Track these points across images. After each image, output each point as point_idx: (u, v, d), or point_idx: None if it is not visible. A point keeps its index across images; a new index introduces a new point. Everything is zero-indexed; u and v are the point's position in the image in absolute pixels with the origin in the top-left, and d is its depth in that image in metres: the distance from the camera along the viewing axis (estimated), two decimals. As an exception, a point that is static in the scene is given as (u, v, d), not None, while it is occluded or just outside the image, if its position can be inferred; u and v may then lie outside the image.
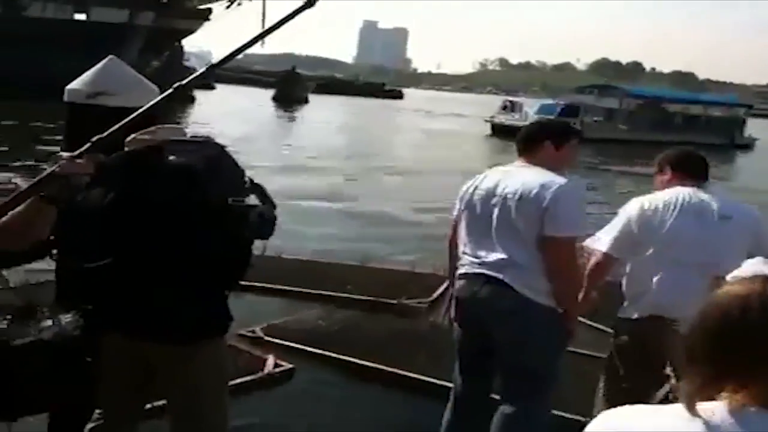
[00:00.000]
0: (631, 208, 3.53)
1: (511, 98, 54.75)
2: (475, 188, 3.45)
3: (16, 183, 2.11)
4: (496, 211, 3.30)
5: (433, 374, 4.85)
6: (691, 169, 3.60)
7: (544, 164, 3.38)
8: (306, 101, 59.20)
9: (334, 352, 5.20)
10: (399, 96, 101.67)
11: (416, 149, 30.56)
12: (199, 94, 40.88)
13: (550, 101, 50.22)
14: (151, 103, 2.26)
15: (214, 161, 2.37)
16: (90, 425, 2.66)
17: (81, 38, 33.28)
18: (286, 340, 5.40)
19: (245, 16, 43.35)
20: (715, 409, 1.14)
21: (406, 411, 4.66)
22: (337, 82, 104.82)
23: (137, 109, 2.22)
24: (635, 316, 3.49)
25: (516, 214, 3.24)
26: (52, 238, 2.37)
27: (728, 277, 1.25)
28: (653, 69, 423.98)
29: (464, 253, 3.46)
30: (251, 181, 2.47)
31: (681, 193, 3.47)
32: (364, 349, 5.25)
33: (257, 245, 2.58)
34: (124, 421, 2.70)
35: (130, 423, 2.72)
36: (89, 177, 2.18)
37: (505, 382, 3.42)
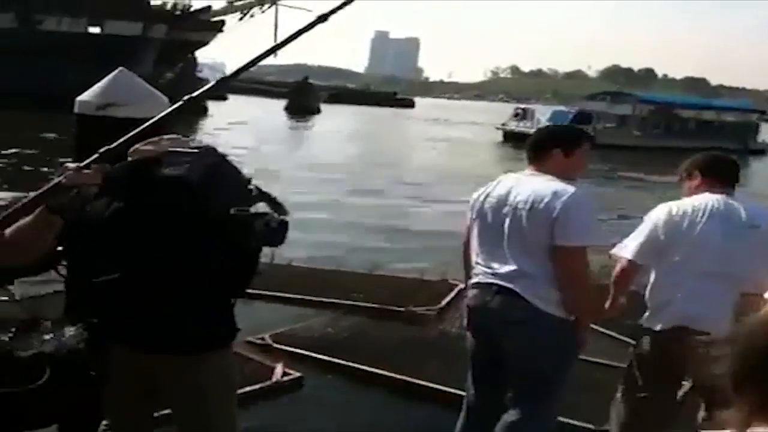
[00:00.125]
0: (658, 214, 3.46)
1: (522, 105, 54.62)
2: (487, 196, 3.43)
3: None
4: (507, 221, 3.29)
5: (442, 382, 4.83)
6: (721, 174, 3.52)
7: (554, 172, 3.34)
8: (318, 111, 59.32)
9: (342, 359, 5.19)
10: (411, 105, 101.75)
11: (428, 157, 30.53)
12: (212, 105, 41.05)
13: (562, 108, 50.15)
14: (160, 115, 2.25)
15: (212, 171, 2.36)
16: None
17: (95, 51, 33.51)
18: (294, 348, 5.40)
19: (258, 28, 43.76)
20: None
21: (415, 418, 4.65)
22: (349, 91, 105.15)
23: (147, 120, 2.22)
24: (658, 327, 3.42)
25: (527, 223, 3.22)
26: (59, 249, 2.39)
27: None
28: (665, 75, 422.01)
29: (477, 263, 3.45)
30: (258, 189, 2.46)
31: (710, 199, 3.40)
32: (373, 357, 5.23)
33: (266, 253, 2.56)
34: None
35: None
36: (96, 188, 2.18)
37: (513, 389, 3.40)
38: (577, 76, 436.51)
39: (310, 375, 5.01)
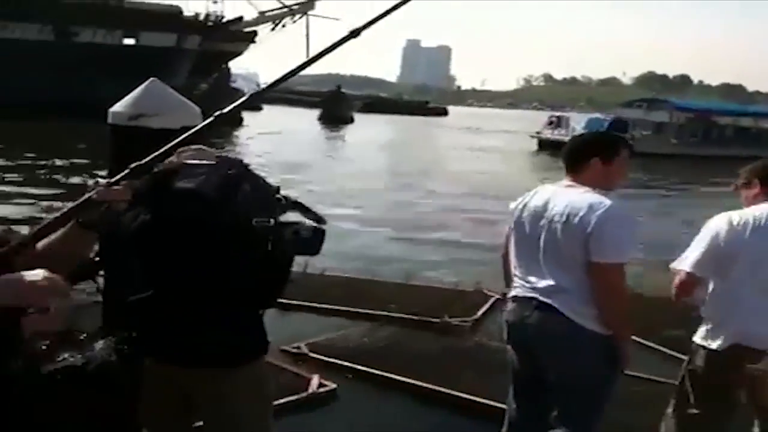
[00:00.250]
0: (718, 224, 3.31)
1: (557, 113, 54.28)
2: (524, 206, 3.35)
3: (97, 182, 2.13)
4: (543, 234, 3.21)
5: (479, 393, 4.77)
6: None
7: (592, 183, 3.22)
8: (351, 120, 59.62)
9: (378, 370, 5.17)
10: (443, 113, 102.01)
11: (462, 166, 30.46)
12: (247, 116, 41.46)
13: (597, 115, 49.67)
14: (192, 131, 2.22)
15: (229, 182, 2.31)
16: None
17: (130, 62, 34.06)
18: (330, 357, 5.38)
19: (290, 37, 44.14)
20: None
21: (451, 430, 4.61)
22: (381, 101, 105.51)
23: (180, 130, 2.20)
24: (715, 345, 3.30)
25: (562, 237, 3.14)
26: (96, 259, 2.38)
27: None
28: (701, 82, 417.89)
29: (515, 275, 3.38)
30: (287, 198, 2.41)
31: None
32: (409, 367, 5.19)
33: (299, 262, 2.51)
34: None
35: None
36: (126, 203, 2.17)
37: (556, 407, 3.31)
38: (611, 83, 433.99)
39: (345, 385, 4.98)
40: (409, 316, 6.40)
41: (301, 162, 26.17)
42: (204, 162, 2.35)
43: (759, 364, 3.03)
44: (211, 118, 2.26)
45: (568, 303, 3.13)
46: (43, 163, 21.43)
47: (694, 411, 3.34)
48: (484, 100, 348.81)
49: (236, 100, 2.42)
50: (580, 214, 3.08)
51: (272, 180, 2.51)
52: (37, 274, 1.87)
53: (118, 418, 2.48)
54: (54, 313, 1.93)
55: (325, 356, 5.39)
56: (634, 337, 4.29)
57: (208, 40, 49.18)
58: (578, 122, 45.34)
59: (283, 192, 2.45)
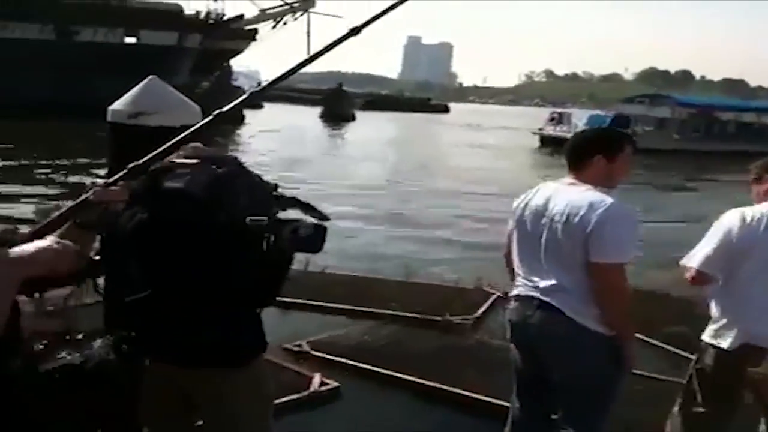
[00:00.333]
0: (730, 220, 3.27)
1: (559, 110, 54.27)
2: (526, 204, 3.32)
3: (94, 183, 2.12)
4: (545, 233, 3.17)
5: (481, 391, 4.77)
6: None
7: (595, 180, 3.17)
8: (353, 118, 59.59)
9: (380, 368, 5.16)
10: (445, 110, 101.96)
11: (463, 163, 30.45)
12: (248, 113, 41.44)
13: (599, 112, 49.64)
14: (191, 130, 2.22)
15: (218, 181, 2.27)
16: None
17: (132, 61, 34.05)
18: (331, 355, 5.38)
19: (291, 35, 44.13)
20: None
21: (453, 428, 4.60)
22: (383, 98, 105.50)
23: (179, 129, 2.19)
24: (725, 344, 3.28)
25: (562, 237, 3.10)
26: (96, 258, 2.37)
27: None
28: (703, 77, 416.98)
29: (518, 274, 3.35)
30: (285, 196, 2.38)
31: None
32: (411, 365, 5.18)
33: (300, 259, 2.49)
34: None
35: None
36: (123, 204, 2.17)
37: (561, 407, 3.29)
38: (613, 79, 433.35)
39: (347, 383, 4.97)
40: (411, 315, 6.39)
41: (302, 159, 26.20)
42: (192, 161, 2.31)
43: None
44: (210, 117, 2.26)
45: (569, 303, 3.09)
46: (45, 162, 21.46)
47: (701, 410, 3.33)
48: (486, 97, 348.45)
49: (238, 98, 2.41)
50: (581, 213, 3.04)
51: (272, 177, 2.49)
52: (48, 241, 1.92)
53: (117, 417, 2.48)
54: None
55: (327, 354, 5.38)
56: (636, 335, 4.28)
57: (209, 38, 49.13)
58: (580, 118, 45.35)
59: (281, 189, 2.41)
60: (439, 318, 6.32)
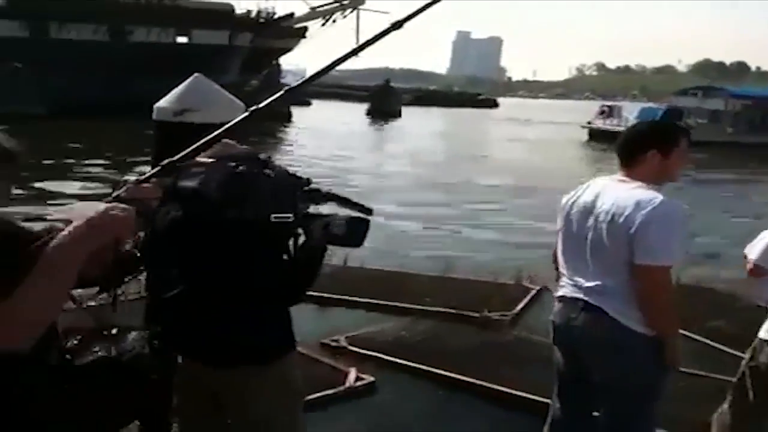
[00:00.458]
0: None
1: (608, 103, 53.32)
2: (574, 202, 3.24)
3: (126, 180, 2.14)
4: (590, 233, 3.10)
5: (520, 387, 4.76)
6: None
7: (647, 177, 3.06)
8: (399, 114, 59.38)
9: (417, 363, 5.17)
10: (494, 105, 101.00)
11: (510, 157, 30.21)
12: (296, 111, 41.70)
13: (651, 105, 48.64)
14: (225, 126, 2.18)
15: (235, 180, 2.26)
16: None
17: (181, 60, 34.54)
18: (369, 350, 5.41)
19: (340, 33, 44.26)
20: None
21: (491, 424, 4.58)
22: (431, 93, 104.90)
23: (223, 126, 2.17)
24: None
25: (607, 237, 3.02)
26: (138, 256, 2.43)
27: None
28: (758, 68, 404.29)
29: (563, 273, 3.30)
30: (317, 190, 2.36)
31: None
32: (448, 361, 5.18)
33: (339, 255, 2.47)
34: None
35: None
36: (157, 201, 2.19)
37: (604, 409, 3.23)
38: (666, 71, 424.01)
39: (384, 378, 4.99)
40: (449, 310, 6.39)
41: (345, 156, 26.25)
42: (208, 160, 2.32)
43: None
44: (246, 113, 2.22)
45: (614, 305, 3.02)
46: (87, 162, 21.83)
47: (753, 408, 3.28)
48: (536, 91, 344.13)
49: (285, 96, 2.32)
50: (626, 213, 2.94)
51: (314, 174, 2.46)
52: (100, 207, 1.88)
53: (152, 410, 2.56)
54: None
55: (364, 349, 5.42)
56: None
57: (259, 36, 49.48)
58: (631, 112, 44.52)
59: (315, 185, 2.38)
60: (477, 314, 6.30)
